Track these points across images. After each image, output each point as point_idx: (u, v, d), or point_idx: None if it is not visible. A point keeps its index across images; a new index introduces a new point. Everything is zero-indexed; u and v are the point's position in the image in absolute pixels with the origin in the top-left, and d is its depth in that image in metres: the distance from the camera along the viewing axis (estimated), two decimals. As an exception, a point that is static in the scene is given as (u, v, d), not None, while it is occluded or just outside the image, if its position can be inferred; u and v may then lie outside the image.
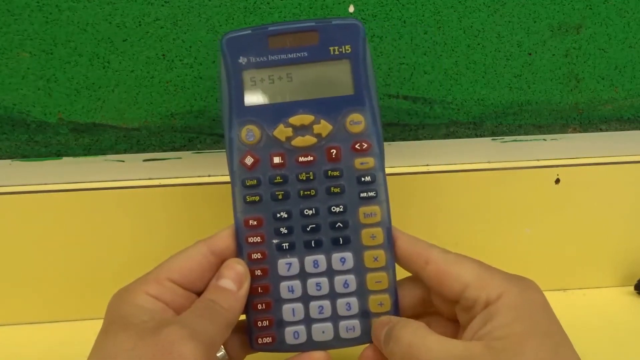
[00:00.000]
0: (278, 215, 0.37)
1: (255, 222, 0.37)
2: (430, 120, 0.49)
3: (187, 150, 0.48)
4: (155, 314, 0.34)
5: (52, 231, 0.47)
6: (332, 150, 0.37)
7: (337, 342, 0.38)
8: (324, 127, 0.37)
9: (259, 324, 0.38)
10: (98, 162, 0.47)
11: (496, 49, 0.47)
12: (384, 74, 0.47)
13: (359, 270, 0.38)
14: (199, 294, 0.36)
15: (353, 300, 0.38)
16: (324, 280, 0.38)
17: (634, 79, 0.49)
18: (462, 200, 0.50)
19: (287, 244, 0.37)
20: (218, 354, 0.37)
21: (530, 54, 0.47)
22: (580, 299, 0.53)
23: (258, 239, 0.37)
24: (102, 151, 0.47)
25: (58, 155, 0.47)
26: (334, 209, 0.37)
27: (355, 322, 0.38)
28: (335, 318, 0.38)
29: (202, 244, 0.37)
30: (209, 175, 0.48)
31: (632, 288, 0.53)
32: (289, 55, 0.37)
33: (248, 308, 0.38)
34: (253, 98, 0.37)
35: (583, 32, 0.47)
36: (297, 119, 0.37)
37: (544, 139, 0.50)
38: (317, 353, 0.38)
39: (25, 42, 0.43)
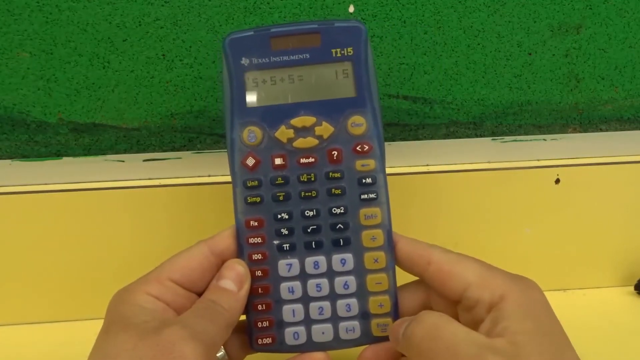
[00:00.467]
0: (279, 216, 0.37)
1: (256, 223, 0.37)
2: (430, 120, 0.49)
3: (187, 150, 0.48)
4: (156, 314, 0.34)
5: (52, 231, 0.47)
6: (333, 152, 0.37)
7: (337, 343, 0.38)
8: (325, 128, 0.37)
9: (259, 324, 0.38)
10: (98, 162, 0.47)
11: (496, 49, 0.47)
12: (384, 74, 0.47)
13: (359, 271, 0.38)
14: (199, 294, 0.36)
15: (353, 302, 0.38)
16: (324, 282, 0.38)
17: (634, 79, 0.49)
18: (462, 200, 0.50)
19: (287, 245, 0.37)
20: (218, 354, 0.37)
21: (530, 54, 0.47)
22: (580, 299, 0.53)
23: (259, 240, 0.37)
24: (102, 151, 0.47)
25: (58, 155, 0.47)
26: (334, 210, 0.37)
27: (355, 324, 0.38)
28: (335, 319, 0.38)
29: (202, 244, 0.37)
30: (209, 175, 0.48)
31: (632, 288, 0.53)
32: (291, 57, 0.37)
33: (248, 308, 0.38)
34: (255, 99, 0.37)
35: (583, 32, 0.47)
36: (298, 121, 0.37)
37: (544, 139, 0.50)
38: (317, 354, 0.38)
39: (25, 42, 0.43)
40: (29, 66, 0.44)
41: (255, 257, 0.37)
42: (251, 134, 0.37)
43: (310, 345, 0.38)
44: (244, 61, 0.37)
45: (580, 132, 0.50)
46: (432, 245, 0.37)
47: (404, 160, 0.49)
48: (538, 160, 0.50)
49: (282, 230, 0.37)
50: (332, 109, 0.37)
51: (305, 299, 0.38)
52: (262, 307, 0.38)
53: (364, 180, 0.37)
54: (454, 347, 0.31)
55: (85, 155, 0.47)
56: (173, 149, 0.48)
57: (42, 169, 0.47)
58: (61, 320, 0.50)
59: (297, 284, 0.38)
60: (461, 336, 0.32)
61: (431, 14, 0.45)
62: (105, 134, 0.47)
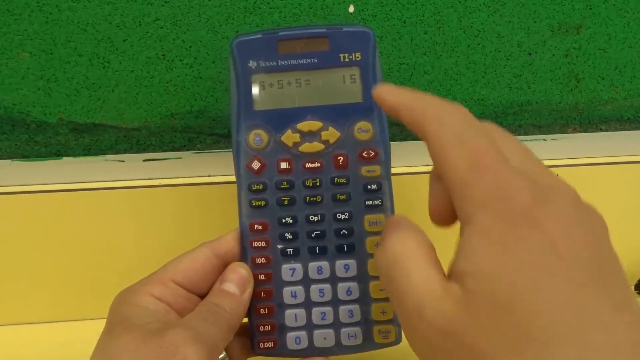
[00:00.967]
0: (283, 220, 0.37)
1: (260, 227, 0.37)
2: (430, 120, 0.49)
3: (187, 150, 0.48)
4: (158, 316, 0.34)
5: (52, 231, 0.47)
6: (339, 157, 0.37)
7: (339, 348, 0.38)
8: (332, 133, 0.37)
9: (261, 328, 0.38)
10: (98, 162, 0.47)
11: (496, 49, 0.47)
12: (384, 74, 0.47)
13: (363, 278, 0.38)
14: (201, 296, 0.36)
15: (355, 308, 0.38)
16: (327, 287, 0.38)
17: (634, 79, 0.49)
18: (462, 200, 0.50)
19: (291, 250, 0.37)
20: (219, 357, 0.37)
21: (530, 54, 0.47)
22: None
23: (263, 244, 0.37)
24: (102, 151, 0.47)
25: (58, 155, 0.47)
26: (339, 215, 0.37)
27: (357, 330, 0.38)
28: (337, 325, 0.38)
29: (206, 247, 0.37)
30: (209, 175, 0.48)
31: (632, 288, 0.53)
32: (299, 61, 0.37)
33: (251, 312, 0.37)
34: (262, 102, 0.37)
35: (583, 32, 0.47)
36: (305, 125, 0.37)
37: (544, 139, 0.50)
38: (318, 359, 0.38)
39: (25, 42, 0.43)
40: (29, 66, 0.44)
41: (258, 260, 0.37)
42: (257, 137, 0.37)
43: (312, 350, 0.38)
44: (252, 64, 0.37)
45: (580, 132, 0.50)
46: None
47: (404, 160, 0.49)
48: (538, 160, 0.50)
49: (286, 234, 0.37)
50: (338, 114, 0.37)
51: (308, 304, 0.38)
52: (265, 311, 0.38)
53: (369, 187, 0.37)
54: (404, 294, 0.27)
55: (85, 155, 0.47)
56: (173, 149, 0.48)
57: (42, 169, 0.47)
58: (61, 320, 0.50)
59: (300, 289, 0.38)
60: (414, 281, 0.26)
61: (431, 14, 0.45)
62: (105, 134, 0.47)
